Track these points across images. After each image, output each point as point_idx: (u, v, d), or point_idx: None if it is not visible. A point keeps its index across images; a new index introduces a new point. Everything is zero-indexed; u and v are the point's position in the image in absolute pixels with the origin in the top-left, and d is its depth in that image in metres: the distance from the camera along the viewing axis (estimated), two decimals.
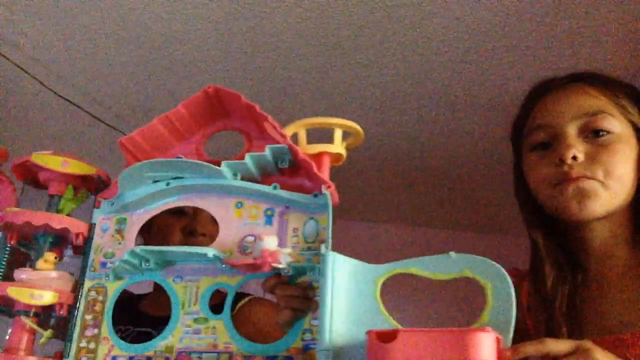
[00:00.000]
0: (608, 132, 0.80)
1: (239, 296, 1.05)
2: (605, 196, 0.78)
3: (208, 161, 0.78)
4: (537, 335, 0.85)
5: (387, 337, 0.53)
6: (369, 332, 0.55)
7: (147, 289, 1.09)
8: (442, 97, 1.92)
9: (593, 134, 0.80)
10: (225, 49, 1.75)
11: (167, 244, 0.98)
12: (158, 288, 1.07)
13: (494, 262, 0.61)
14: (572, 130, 0.81)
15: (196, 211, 0.99)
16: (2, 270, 0.76)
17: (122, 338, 0.74)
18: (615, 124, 0.81)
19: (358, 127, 0.73)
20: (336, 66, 1.81)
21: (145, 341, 0.72)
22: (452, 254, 0.62)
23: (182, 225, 0.99)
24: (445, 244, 2.41)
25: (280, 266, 0.66)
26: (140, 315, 0.75)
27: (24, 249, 0.79)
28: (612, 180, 0.78)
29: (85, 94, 1.96)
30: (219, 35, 1.70)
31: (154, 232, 0.97)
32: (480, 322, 0.58)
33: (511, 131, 0.93)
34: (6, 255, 0.77)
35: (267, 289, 0.68)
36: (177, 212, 0.78)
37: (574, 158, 0.79)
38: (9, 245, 0.77)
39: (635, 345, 0.72)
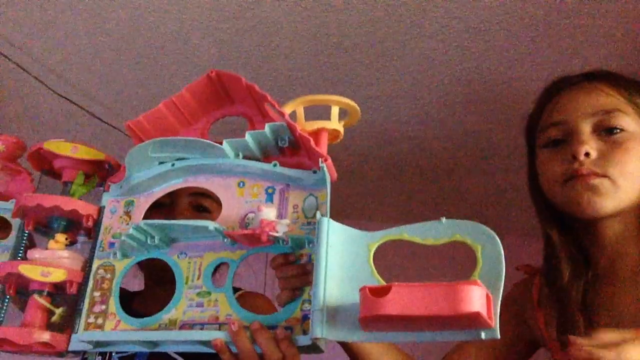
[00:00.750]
0: (622, 130, 0.81)
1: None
2: (616, 194, 0.79)
3: None
4: (549, 331, 0.85)
5: (380, 291, 0.54)
6: (362, 288, 0.56)
7: (140, 286, 1.13)
8: (442, 96, 1.92)
9: (607, 131, 0.81)
10: (225, 48, 1.77)
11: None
12: (150, 286, 1.09)
13: (484, 226, 0.62)
14: (585, 127, 0.82)
15: (173, 201, 1.00)
16: (20, 255, 0.80)
17: None
18: (630, 122, 0.81)
19: (354, 105, 0.75)
20: (335, 66, 1.82)
21: None
22: (443, 219, 0.63)
23: (163, 217, 1.01)
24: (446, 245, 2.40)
25: (278, 235, 0.68)
26: (132, 312, 0.78)
27: (40, 234, 0.82)
28: (623, 178, 0.79)
29: (85, 93, 1.99)
30: (219, 34, 1.72)
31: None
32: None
33: (525, 128, 0.94)
34: (24, 241, 0.81)
35: (273, 266, 0.70)
36: (156, 206, 0.81)
37: (587, 155, 0.80)
38: (26, 232, 0.80)
39: None
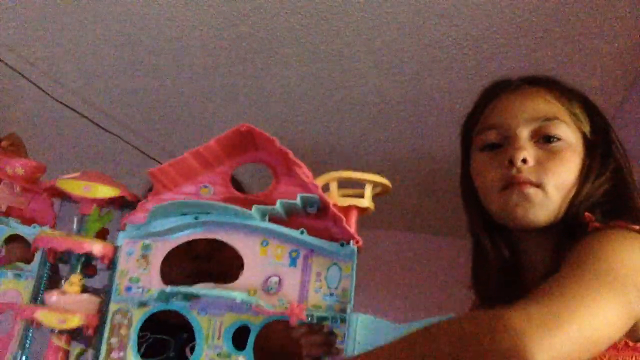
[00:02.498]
0: (559, 139, 0.79)
1: None
2: (548, 205, 0.78)
3: (233, 192, 0.80)
4: None
5: None
6: None
7: None
8: (445, 102, 1.93)
9: (544, 139, 0.80)
10: (226, 51, 1.74)
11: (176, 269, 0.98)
12: None
13: None
14: (524, 132, 0.80)
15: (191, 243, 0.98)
16: (43, 288, 0.79)
17: (139, 344, 0.77)
18: (568, 132, 0.80)
19: (388, 183, 0.74)
20: (334, 72, 1.81)
21: (162, 348, 0.76)
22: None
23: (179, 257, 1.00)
24: (449, 251, 2.45)
25: (305, 320, 0.69)
26: (159, 322, 0.77)
27: (64, 264, 0.82)
28: (556, 189, 0.78)
29: (84, 99, 1.95)
30: (220, 39, 1.69)
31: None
32: None
33: (461, 129, 0.91)
34: (47, 272, 0.81)
35: (297, 335, 0.72)
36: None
37: (524, 161, 0.78)
38: (48, 263, 0.80)
39: None
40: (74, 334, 0.79)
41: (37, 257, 0.83)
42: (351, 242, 0.72)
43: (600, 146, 0.82)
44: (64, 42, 1.73)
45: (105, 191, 0.80)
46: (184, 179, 0.80)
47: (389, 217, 2.58)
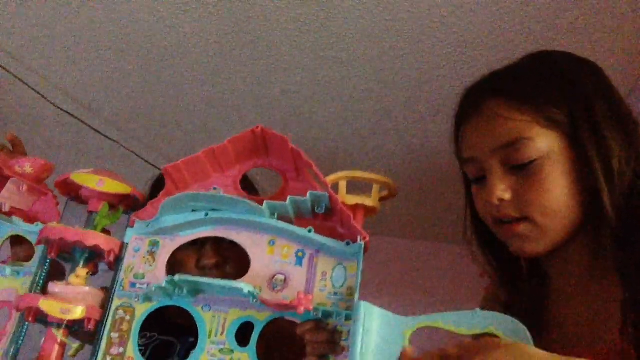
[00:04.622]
0: (532, 160, 0.71)
1: None
2: (542, 236, 0.72)
3: (243, 195, 0.82)
4: None
5: None
6: None
7: None
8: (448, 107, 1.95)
9: (516, 167, 0.72)
10: (226, 58, 1.78)
11: (183, 270, 0.98)
12: None
13: (519, 322, 0.62)
14: (494, 163, 0.74)
15: (199, 242, 0.99)
16: (42, 282, 0.79)
17: (146, 345, 0.76)
18: (538, 147, 0.71)
19: (394, 184, 0.77)
20: (337, 76, 1.84)
21: (168, 350, 0.74)
22: (478, 310, 0.66)
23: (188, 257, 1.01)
24: (454, 258, 2.42)
25: (311, 309, 0.70)
26: (166, 323, 0.76)
27: (63, 261, 0.81)
28: (543, 217, 0.71)
29: (85, 105, 1.97)
30: (221, 46, 1.73)
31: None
32: None
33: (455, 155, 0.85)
34: (46, 268, 0.80)
35: (301, 332, 0.72)
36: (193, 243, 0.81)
37: (501, 200, 0.73)
38: (49, 259, 0.80)
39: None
40: (72, 330, 0.78)
41: (38, 252, 0.83)
42: (358, 238, 0.74)
43: (596, 132, 0.71)
44: (65, 48, 1.74)
45: (118, 187, 0.82)
46: (195, 180, 0.83)
47: (391, 224, 2.56)
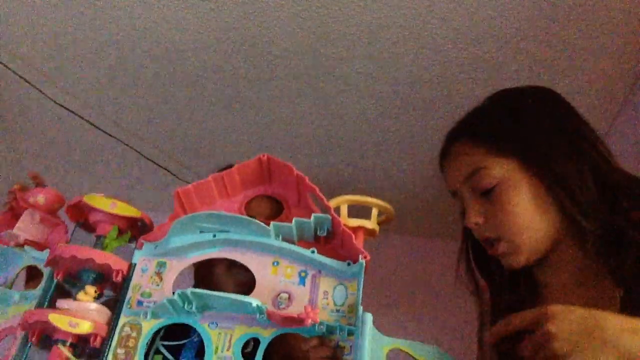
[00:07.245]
0: (494, 186, 0.81)
1: None
2: (521, 250, 0.80)
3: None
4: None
5: None
6: None
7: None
8: (448, 104, 1.92)
9: (482, 194, 0.82)
10: (232, 59, 1.81)
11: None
12: None
13: None
14: (465, 191, 0.84)
15: (210, 263, 1.02)
16: (47, 301, 0.80)
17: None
18: (495, 174, 0.81)
19: (391, 209, 0.84)
20: (335, 77, 1.85)
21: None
22: (436, 347, 0.72)
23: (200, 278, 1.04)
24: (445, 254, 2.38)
25: (318, 322, 0.74)
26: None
27: (69, 285, 0.83)
28: (515, 235, 0.79)
29: (92, 106, 1.97)
30: (225, 46, 1.76)
31: (207, 280, 1.01)
32: None
33: None
34: (52, 290, 0.82)
35: (308, 347, 0.75)
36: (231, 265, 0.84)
37: (477, 224, 0.83)
38: (54, 280, 0.82)
39: None
40: (75, 352, 0.79)
41: (45, 274, 0.85)
42: (359, 257, 0.79)
43: (547, 159, 0.79)
44: (75, 52, 1.77)
45: (129, 210, 0.85)
46: (202, 203, 0.87)
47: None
